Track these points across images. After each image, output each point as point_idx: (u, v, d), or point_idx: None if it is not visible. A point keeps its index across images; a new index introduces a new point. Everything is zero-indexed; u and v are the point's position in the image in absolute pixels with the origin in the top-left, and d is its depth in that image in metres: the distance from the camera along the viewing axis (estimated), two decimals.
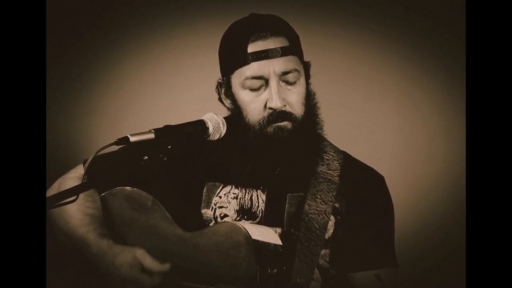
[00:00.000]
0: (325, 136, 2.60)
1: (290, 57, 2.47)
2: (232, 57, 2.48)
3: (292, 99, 2.48)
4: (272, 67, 2.44)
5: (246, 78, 2.46)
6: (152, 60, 3.80)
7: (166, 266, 2.36)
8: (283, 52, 2.45)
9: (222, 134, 2.36)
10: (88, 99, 3.81)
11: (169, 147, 2.23)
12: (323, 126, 2.57)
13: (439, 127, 3.67)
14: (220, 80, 2.55)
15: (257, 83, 2.46)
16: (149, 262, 2.36)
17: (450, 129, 3.65)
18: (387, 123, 3.70)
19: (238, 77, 2.47)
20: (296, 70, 2.48)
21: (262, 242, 2.33)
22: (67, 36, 3.73)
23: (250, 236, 2.31)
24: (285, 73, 2.46)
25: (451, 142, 3.64)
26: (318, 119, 2.56)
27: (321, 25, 3.61)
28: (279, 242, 2.38)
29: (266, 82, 2.46)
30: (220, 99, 2.57)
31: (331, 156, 2.60)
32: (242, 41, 2.45)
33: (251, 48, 2.45)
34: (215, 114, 2.36)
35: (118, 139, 2.16)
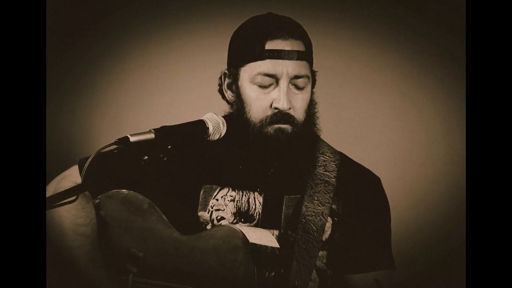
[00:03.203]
0: (322, 136, 2.60)
1: (303, 63, 2.47)
2: (247, 50, 2.46)
3: (297, 104, 2.48)
4: (286, 68, 2.44)
5: (258, 74, 2.45)
6: (152, 60, 3.79)
7: None
8: (299, 56, 2.45)
9: (222, 134, 2.36)
10: (88, 99, 3.81)
11: (169, 147, 2.23)
12: (320, 134, 2.58)
13: (439, 127, 3.66)
14: (226, 71, 2.54)
15: (267, 80, 2.45)
16: None
17: (450, 129, 3.64)
18: (386, 124, 3.70)
19: (249, 71, 2.46)
20: (307, 76, 2.48)
21: (260, 245, 2.32)
22: (67, 36, 3.73)
23: (248, 240, 2.30)
24: (297, 77, 2.46)
25: (451, 142, 3.64)
26: (316, 128, 2.56)
27: (320, 25, 3.61)
28: (276, 245, 2.37)
29: (277, 81, 2.45)
30: (220, 91, 2.56)
31: (327, 157, 2.59)
32: (261, 36, 2.45)
33: (270, 45, 2.44)
34: (215, 114, 2.36)
35: (118, 139, 2.16)
